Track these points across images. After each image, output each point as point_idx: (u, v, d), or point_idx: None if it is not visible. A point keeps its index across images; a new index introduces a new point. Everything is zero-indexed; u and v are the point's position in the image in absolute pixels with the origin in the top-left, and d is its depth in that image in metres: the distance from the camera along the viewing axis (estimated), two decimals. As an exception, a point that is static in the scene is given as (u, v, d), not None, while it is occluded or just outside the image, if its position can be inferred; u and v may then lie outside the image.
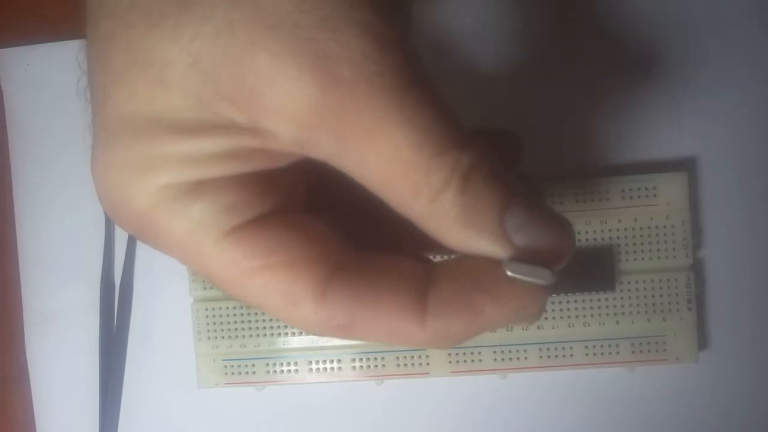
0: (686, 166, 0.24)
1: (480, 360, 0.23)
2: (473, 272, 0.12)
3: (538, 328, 0.23)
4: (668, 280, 0.23)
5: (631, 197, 0.23)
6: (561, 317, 0.23)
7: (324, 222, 0.13)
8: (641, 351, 0.23)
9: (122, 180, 0.12)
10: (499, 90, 0.24)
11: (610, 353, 0.23)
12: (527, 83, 0.24)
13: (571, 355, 0.23)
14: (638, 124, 0.24)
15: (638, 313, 0.23)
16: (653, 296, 0.23)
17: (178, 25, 0.12)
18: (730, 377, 0.24)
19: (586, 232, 0.23)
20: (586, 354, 0.23)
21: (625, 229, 0.23)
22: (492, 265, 0.12)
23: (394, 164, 0.12)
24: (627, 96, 0.24)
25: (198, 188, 0.12)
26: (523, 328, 0.23)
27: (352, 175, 0.12)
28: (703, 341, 0.24)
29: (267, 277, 0.12)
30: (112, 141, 0.13)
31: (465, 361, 0.23)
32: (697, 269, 0.23)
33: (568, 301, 0.23)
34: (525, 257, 0.12)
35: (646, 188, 0.23)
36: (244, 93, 0.12)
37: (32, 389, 0.26)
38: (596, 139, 0.24)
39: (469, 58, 0.24)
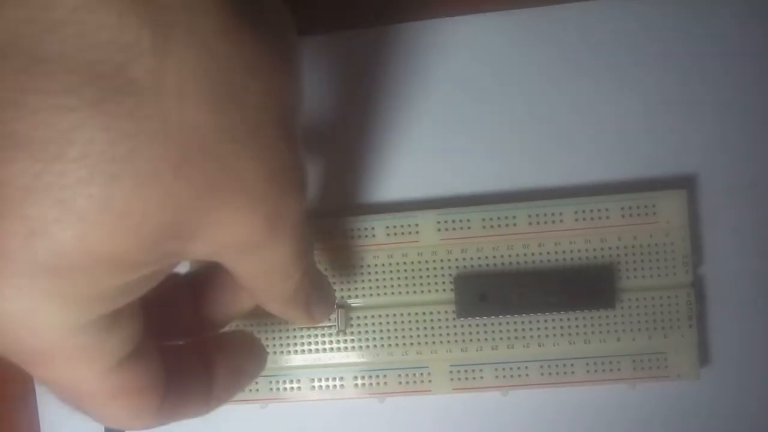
0: (685, 183, 0.24)
1: (481, 377, 0.24)
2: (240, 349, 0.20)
3: (540, 345, 0.23)
4: (669, 297, 0.23)
5: (631, 215, 0.23)
6: (562, 335, 0.23)
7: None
8: (642, 368, 0.23)
9: (32, 306, 0.13)
10: (488, 100, 0.24)
11: (611, 370, 0.23)
12: (514, 98, 0.24)
13: (573, 372, 0.23)
14: (636, 142, 0.24)
15: (639, 330, 0.23)
16: (654, 313, 0.23)
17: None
18: (731, 393, 0.24)
19: (586, 250, 0.23)
20: (588, 371, 0.23)
21: (625, 247, 0.23)
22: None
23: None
24: (624, 114, 0.24)
25: (113, 322, 0.14)
26: (524, 346, 0.23)
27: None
28: (704, 358, 0.24)
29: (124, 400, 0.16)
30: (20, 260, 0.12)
31: (467, 378, 0.24)
32: (697, 286, 0.24)
33: (569, 319, 0.23)
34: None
35: (646, 206, 0.23)
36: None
37: (38, 406, 0.26)
38: (594, 157, 0.24)
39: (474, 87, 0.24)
